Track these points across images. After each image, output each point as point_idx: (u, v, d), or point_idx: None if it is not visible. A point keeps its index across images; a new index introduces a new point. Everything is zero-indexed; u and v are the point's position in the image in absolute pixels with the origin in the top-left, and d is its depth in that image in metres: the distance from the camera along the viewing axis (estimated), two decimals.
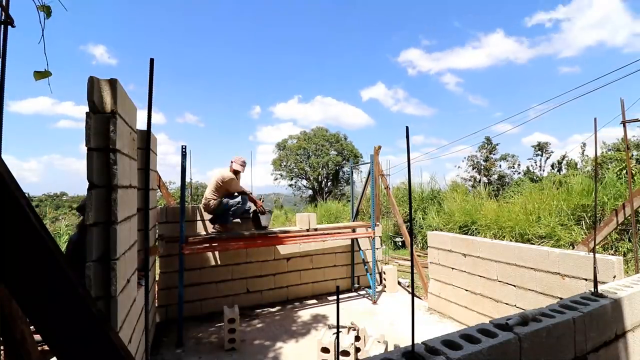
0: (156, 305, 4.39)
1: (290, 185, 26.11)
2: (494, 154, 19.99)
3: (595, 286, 1.87)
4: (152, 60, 2.58)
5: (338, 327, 1.05)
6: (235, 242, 4.28)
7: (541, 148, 19.31)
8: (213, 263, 4.73)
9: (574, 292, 2.93)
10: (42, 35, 1.33)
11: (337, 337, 1.09)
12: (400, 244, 10.54)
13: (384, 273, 5.69)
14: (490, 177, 19.40)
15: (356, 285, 5.69)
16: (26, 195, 0.63)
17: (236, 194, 4.59)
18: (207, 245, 4.09)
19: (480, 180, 19.04)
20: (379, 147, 5.86)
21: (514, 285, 3.58)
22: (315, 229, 5.01)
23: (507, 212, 8.62)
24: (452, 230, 9.22)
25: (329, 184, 25.46)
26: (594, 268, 1.93)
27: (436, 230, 8.10)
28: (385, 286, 5.65)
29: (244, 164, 4.73)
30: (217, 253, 4.72)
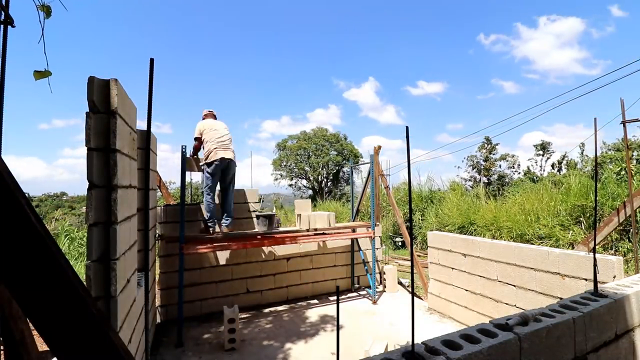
0: (156, 305, 4.39)
1: (290, 185, 26.10)
2: (493, 154, 20.00)
3: (595, 286, 1.87)
4: (152, 60, 2.58)
5: (338, 327, 1.05)
6: (235, 242, 4.28)
7: (543, 148, 19.30)
8: (213, 263, 4.73)
9: (574, 292, 2.93)
10: (42, 35, 1.33)
11: (337, 337, 1.09)
12: (400, 244, 10.54)
13: (384, 273, 5.69)
14: (490, 177, 19.40)
15: (356, 285, 5.69)
16: (26, 195, 0.63)
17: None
18: (208, 245, 4.09)
19: (480, 180, 19.04)
20: (379, 147, 5.86)
21: (514, 285, 3.58)
22: (315, 229, 5.01)
23: (505, 212, 8.62)
24: (450, 232, 9.22)
25: (329, 184, 25.46)
26: (594, 268, 1.93)
27: (434, 231, 8.10)
28: (385, 286, 5.65)
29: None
30: (217, 253, 4.72)
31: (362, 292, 5.50)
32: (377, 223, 5.62)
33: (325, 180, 25.61)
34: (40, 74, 1.34)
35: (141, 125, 2.83)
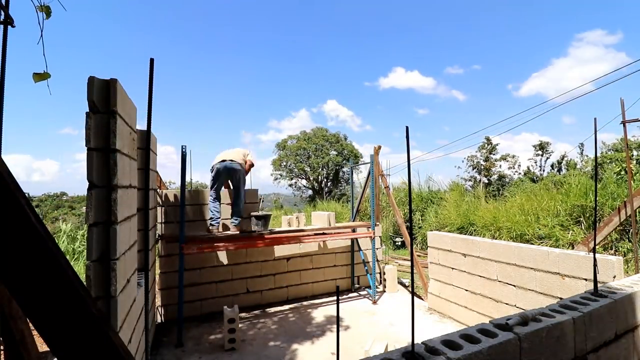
0: (156, 305, 4.39)
1: (290, 185, 26.09)
2: (493, 154, 20.00)
3: (595, 286, 1.87)
4: (152, 60, 2.58)
5: (338, 327, 1.05)
6: (235, 242, 4.28)
7: (542, 148, 19.31)
8: (213, 263, 4.73)
9: (574, 292, 2.93)
10: (41, 36, 1.33)
11: (337, 337, 1.09)
12: (400, 244, 10.53)
13: (384, 273, 5.69)
14: (490, 177, 19.40)
15: (356, 285, 5.68)
16: (26, 195, 0.63)
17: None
18: (208, 245, 4.09)
19: (480, 181, 19.04)
20: (379, 147, 5.86)
21: (514, 285, 3.58)
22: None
23: (505, 212, 8.61)
24: (449, 232, 9.21)
25: (329, 184, 25.45)
26: (594, 268, 1.93)
27: (434, 231, 8.10)
28: (385, 286, 5.65)
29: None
30: (217, 253, 4.72)
31: (362, 292, 5.50)
32: (377, 223, 5.62)
33: (325, 180, 25.60)
34: (40, 76, 1.34)
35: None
